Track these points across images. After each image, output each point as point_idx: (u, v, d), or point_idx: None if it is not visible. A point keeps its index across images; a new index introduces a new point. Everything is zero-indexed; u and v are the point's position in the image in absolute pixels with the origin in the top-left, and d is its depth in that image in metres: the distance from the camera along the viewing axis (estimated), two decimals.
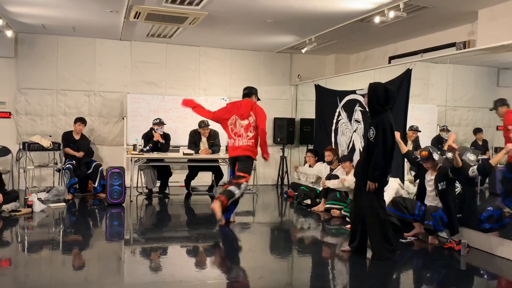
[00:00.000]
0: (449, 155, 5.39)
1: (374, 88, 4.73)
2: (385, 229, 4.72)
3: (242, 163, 5.97)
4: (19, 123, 8.57)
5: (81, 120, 8.09)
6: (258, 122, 6.02)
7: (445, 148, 5.39)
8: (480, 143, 7.49)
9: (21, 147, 8.00)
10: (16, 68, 8.55)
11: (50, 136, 8.43)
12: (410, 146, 7.43)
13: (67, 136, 8.06)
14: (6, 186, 7.01)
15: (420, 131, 7.66)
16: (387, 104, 4.69)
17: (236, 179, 5.87)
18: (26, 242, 5.47)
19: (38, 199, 6.81)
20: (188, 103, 6.29)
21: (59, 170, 8.12)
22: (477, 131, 7.62)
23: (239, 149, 6.00)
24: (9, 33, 7.71)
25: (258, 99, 6.28)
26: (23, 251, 5.11)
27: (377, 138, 4.58)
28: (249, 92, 6.24)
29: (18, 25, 7.80)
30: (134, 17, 6.75)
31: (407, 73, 6.50)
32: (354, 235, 4.95)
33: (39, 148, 7.91)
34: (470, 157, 5.86)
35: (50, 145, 7.98)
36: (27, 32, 8.40)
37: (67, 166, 7.73)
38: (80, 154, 7.92)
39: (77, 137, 8.06)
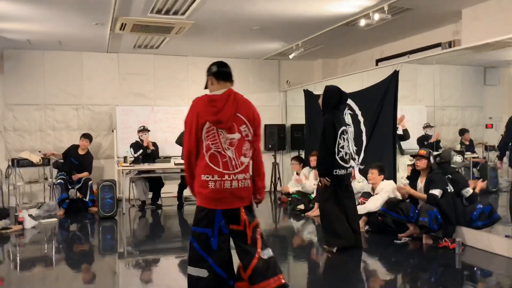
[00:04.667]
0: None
1: (329, 90, 5.24)
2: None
3: (248, 212, 3.32)
4: (7, 140, 8.48)
5: (84, 136, 8.05)
6: (257, 137, 3.38)
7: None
8: (467, 143, 7.55)
9: (10, 163, 7.91)
10: (3, 84, 8.47)
11: (40, 151, 8.35)
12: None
13: (72, 150, 7.99)
14: None
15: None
16: (339, 105, 5.27)
17: (256, 239, 3.30)
18: (18, 260, 5.39)
19: (29, 215, 6.73)
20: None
21: (52, 184, 8.02)
22: (463, 131, 7.68)
23: (238, 195, 3.23)
24: None
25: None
26: (15, 269, 5.03)
27: (322, 136, 5.13)
28: (230, 73, 3.39)
29: (3, 41, 7.75)
30: (120, 29, 6.73)
31: (394, 75, 6.53)
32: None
33: (29, 164, 7.84)
34: (457, 159, 5.93)
35: (40, 161, 7.91)
36: (12, 47, 8.34)
37: (59, 181, 7.66)
38: (84, 175, 7.89)
39: (81, 152, 8.01)
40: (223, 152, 3.18)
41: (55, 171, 8.14)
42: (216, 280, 3.21)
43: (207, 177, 3.17)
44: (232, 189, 3.18)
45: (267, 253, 3.27)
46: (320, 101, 5.26)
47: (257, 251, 3.23)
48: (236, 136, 3.23)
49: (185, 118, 3.30)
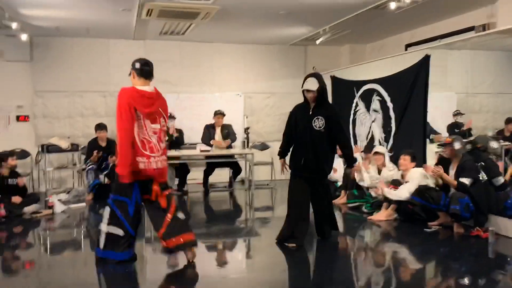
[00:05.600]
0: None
1: (322, 78, 4.81)
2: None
3: (163, 185, 4.19)
4: (37, 126, 8.64)
5: (100, 128, 7.87)
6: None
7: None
8: (508, 134, 7.24)
9: (40, 149, 8.07)
10: (32, 72, 8.61)
11: (68, 137, 8.48)
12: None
13: (94, 145, 7.88)
14: (27, 188, 7.04)
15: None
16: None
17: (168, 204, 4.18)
18: (48, 243, 5.51)
19: (58, 200, 6.85)
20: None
21: (83, 170, 8.11)
22: (509, 120, 7.34)
23: (159, 173, 4.08)
24: (24, 37, 7.75)
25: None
26: (46, 252, 5.14)
27: (333, 128, 4.71)
28: (151, 72, 4.17)
29: (33, 29, 7.84)
30: (147, 15, 6.73)
31: (426, 60, 6.35)
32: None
33: (58, 150, 7.97)
34: (494, 145, 5.76)
35: (69, 147, 8.04)
36: (41, 35, 8.44)
37: (90, 166, 7.73)
38: (113, 159, 7.96)
39: (103, 144, 7.96)
40: (148, 139, 3.97)
41: (83, 157, 8.24)
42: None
43: (138, 159, 3.94)
44: (156, 169, 4.01)
45: (180, 215, 4.19)
46: (313, 95, 4.70)
47: (167, 214, 4.11)
48: (157, 126, 4.04)
49: (120, 105, 3.97)
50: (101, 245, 4.16)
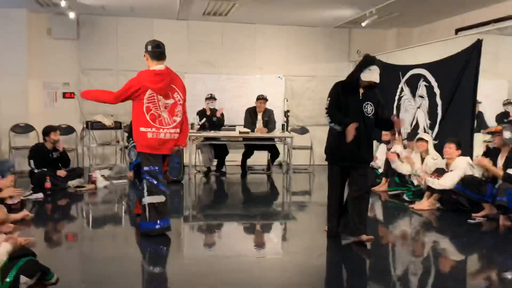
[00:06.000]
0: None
1: None
2: None
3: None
4: (82, 103, 8.84)
5: None
6: (184, 101, 4.52)
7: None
8: None
9: (84, 126, 8.28)
10: (79, 50, 8.80)
11: (112, 115, 8.64)
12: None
13: None
14: (71, 163, 7.23)
15: None
16: None
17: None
18: (90, 217, 5.67)
19: (101, 175, 7.03)
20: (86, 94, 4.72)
21: (125, 147, 8.28)
22: None
23: (168, 144, 4.42)
24: (71, 15, 7.93)
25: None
26: (88, 226, 5.29)
27: (380, 113, 4.45)
28: (163, 52, 4.41)
29: (80, 7, 7.98)
30: None
31: (477, 45, 6.05)
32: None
33: (102, 127, 8.15)
34: None
35: (112, 124, 8.18)
36: (88, 13, 8.59)
37: (133, 144, 7.87)
38: None
39: None
40: (159, 113, 4.29)
41: (126, 135, 8.41)
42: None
43: (146, 130, 4.29)
44: (164, 139, 4.34)
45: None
46: (374, 77, 4.33)
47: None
48: (170, 101, 4.34)
49: (131, 82, 4.32)
50: (147, 218, 4.36)
